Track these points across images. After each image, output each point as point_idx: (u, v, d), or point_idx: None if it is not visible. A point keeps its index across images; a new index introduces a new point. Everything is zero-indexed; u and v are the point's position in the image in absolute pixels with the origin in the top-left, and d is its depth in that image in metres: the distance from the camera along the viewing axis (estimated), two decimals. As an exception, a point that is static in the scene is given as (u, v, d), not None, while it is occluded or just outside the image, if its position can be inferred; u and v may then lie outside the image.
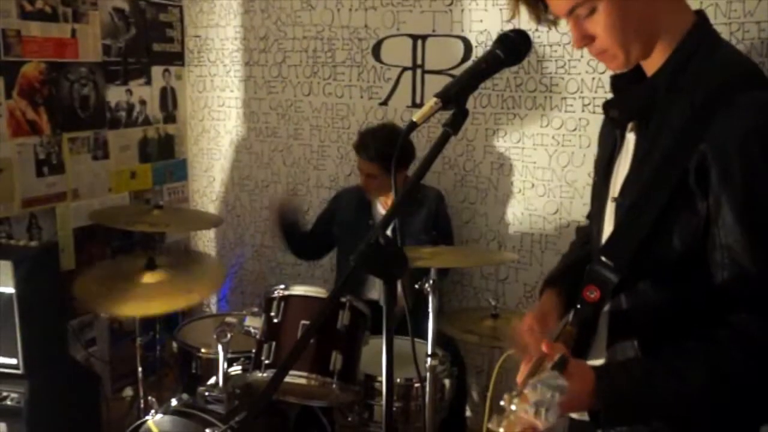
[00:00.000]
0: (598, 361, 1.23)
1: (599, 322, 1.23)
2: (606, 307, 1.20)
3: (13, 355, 2.36)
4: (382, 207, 3.01)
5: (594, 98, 2.83)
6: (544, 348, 1.08)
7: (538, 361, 1.08)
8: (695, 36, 1.17)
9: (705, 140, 1.08)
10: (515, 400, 0.95)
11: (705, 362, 1.08)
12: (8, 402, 2.34)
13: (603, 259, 1.16)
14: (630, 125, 1.24)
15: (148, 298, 2.46)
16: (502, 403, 0.97)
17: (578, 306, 1.19)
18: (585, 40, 1.17)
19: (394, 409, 2.34)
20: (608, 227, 1.27)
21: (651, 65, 1.20)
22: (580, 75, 2.85)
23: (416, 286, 2.23)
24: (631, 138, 1.24)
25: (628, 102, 1.24)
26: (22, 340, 2.34)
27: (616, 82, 1.30)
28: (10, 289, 2.32)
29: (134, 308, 2.48)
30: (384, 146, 2.78)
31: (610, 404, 1.07)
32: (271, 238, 3.58)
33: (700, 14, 1.21)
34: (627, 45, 1.16)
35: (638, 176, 1.18)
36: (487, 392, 2.53)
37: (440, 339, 2.29)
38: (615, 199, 1.24)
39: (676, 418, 1.13)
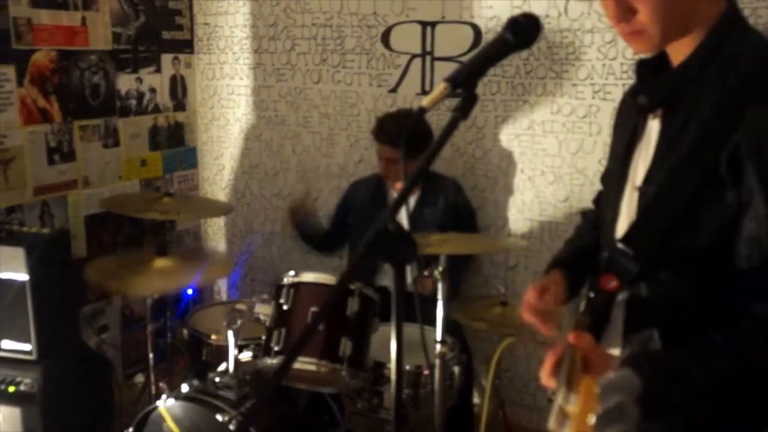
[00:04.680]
0: (613, 351, 1.22)
1: (614, 311, 1.21)
2: (621, 296, 1.19)
3: (27, 340, 2.38)
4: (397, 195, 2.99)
5: (604, 85, 2.81)
6: (570, 338, 1.06)
7: (569, 353, 1.05)
8: (725, 24, 1.15)
9: (739, 130, 1.06)
10: (572, 397, 0.91)
11: (729, 354, 1.07)
12: (22, 387, 2.37)
13: (622, 247, 1.14)
14: (653, 113, 1.22)
15: (160, 279, 2.48)
16: (557, 401, 0.93)
17: (591, 295, 1.17)
18: (626, 14, 1.13)
19: (404, 395, 2.35)
20: (626, 215, 1.25)
21: (679, 52, 1.18)
22: (591, 62, 2.83)
23: (425, 273, 2.23)
24: (654, 125, 1.22)
25: (657, 89, 1.22)
26: (35, 326, 2.37)
27: (642, 68, 1.28)
28: (23, 276, 2.34)
29: (145, 287, 2.50)
30: (403, 128, 2.76)
31: (641, 402, 1.04)
32: (284, 237, 3.61)
33: (731, 2, 1.18)
34: (667, 25, 1.13)
35: (664, 164, 1.16)
36: (495, 380, 2.54)
37: (448, 326, 2.29)
38: (638, 188, 1.21)
39: (697, 410, 1.12)
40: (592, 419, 0.87)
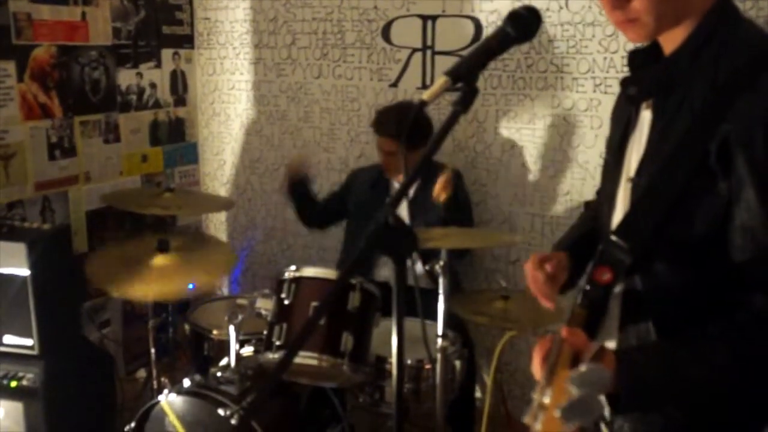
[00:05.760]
0: (610, 343, 1.22)
1: (610, 303, 1.21)
2: (618, 288, 1.19)
3: (29, 336, 2.39)
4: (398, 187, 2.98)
5: (605, 78, 2.81)
6: (563, 333, 1.06)
7: (558, 347, 1.06)
8: (717, 13, 1.15)
9: (728, 121, 1.06)
10: (548, 391, 0.92)
11: (726, 346, 1.07)
12: (24, 382, 2.37)
13: (616, 239, 1.14)
14: (646, 103, 1.22)
15: (161, 280, 2.47)
16: (534, 395, 0.94)
17: (587, 287, 1.17)
18: (621, 1, 1.13)
19: (405, 390, 2.35)
20: (621, 207, 1.25)
21: (670, 42, 1.18)
22: (592, 55, 2.82)
23: (426, 268, 2.23)
24: (646, 116, 1.22)
25: (648, 79, 1.22)
26: (37, 322, 2.37)
27: (634, 58, 1.28)
28: (24, 271, 2.34)
29: (146, 290, 2.48)
30: (403, 122, 2.76)
31: (631, 387, 1.05)
32: (279, 209, 3.61)
33: None
34: (661, 13, 1.13)
35: (656, 155, 1.17)
36: (498, 374, 2.54)
37: (450, 320, 2.29)
38: (631, 179, 1.22)
39: (695, 403, 1.13)
40: (557, 413, 0.88)
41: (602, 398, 0.90)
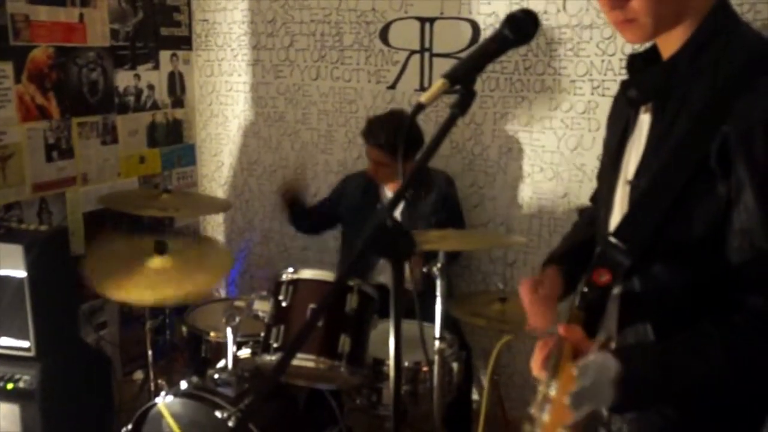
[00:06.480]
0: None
1: (608, 306, 1.22)
2: (616, 290, 1.19)
3: (26, 337, 2.38)
4: (390, 191, 3.00)
5: (603, 81, 2.81)
6: (561, 331, 1.07)
7: (557, 345, 1.06)
8: (716, 17, 1.15)
9: (727, 123, 1.06)
10: (553, 383, 0.93)
11: (721, 345, 1.07)
12: (21, 384, 2.37)
13: (614, 241, 1.15)
14: (645, 106, 1.23)
15: (158, 283, 2.47)
16: (539, 387, 0.95)
17: (585, 289, 1.18)
18: (619, 1, 1.13)
19: (402, 392, 2.35)
20: (618, 210, 1.26)
21: (669, 46, 1.18)
22: (590, 58, 2.83)
23: (424, 270, 2.23)
24: (645, 119, 1.22)
25: (647, 82, 1.23)
26: (33, 323, 2.37)
27: (633, 62, 1.28)
28: (21, 273, 2.34)
29: (143, 294, 2.47)
30: (392, 133, 2.76)
31: (628, 383, 1.04)
32: (276, 211, 3.63)
33: None
34: (659, 13, 1.13)
35: (655, 158, 1.17)
36: (494, 376, 2.54)
37: (445, 322, 2.29)
38: (630, 182, 1.22)
39: (690, 402, 1.13)
40: (567, 399, 0.89)
41: (610, 387, 0.91)
